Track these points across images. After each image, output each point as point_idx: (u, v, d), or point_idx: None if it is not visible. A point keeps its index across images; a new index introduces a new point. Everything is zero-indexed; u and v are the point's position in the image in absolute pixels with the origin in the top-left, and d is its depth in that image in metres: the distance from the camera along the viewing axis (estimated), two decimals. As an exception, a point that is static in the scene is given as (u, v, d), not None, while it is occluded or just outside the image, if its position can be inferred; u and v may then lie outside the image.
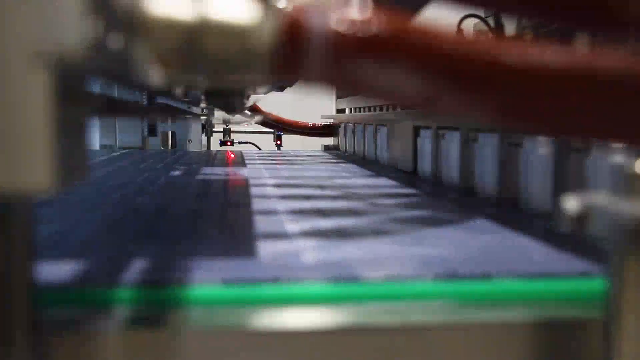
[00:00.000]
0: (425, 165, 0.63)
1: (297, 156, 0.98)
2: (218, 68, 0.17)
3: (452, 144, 0.56)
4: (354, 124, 1.02)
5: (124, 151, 1.06)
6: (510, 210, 0.43)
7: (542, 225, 0.37)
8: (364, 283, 0.25)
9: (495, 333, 0.22)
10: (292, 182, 0.61)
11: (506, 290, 0.24)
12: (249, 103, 0.67)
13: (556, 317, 0.22)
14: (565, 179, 0.39)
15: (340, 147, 1.16)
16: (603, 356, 0.20)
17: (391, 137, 0.79)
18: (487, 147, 0.49)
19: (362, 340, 0.21)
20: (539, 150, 0.41)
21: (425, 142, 0.63)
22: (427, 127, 0.63)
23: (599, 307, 0.21)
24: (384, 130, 0.82)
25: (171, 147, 1.31)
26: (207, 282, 0.24)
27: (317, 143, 1.29)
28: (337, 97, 1.18)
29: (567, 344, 0.22)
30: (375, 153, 0.87)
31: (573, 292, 0.24)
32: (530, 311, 0.23)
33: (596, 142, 0.33)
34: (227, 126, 1.69)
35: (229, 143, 1.69)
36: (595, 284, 0.24)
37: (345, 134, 1.10)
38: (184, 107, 0.83)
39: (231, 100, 0.54)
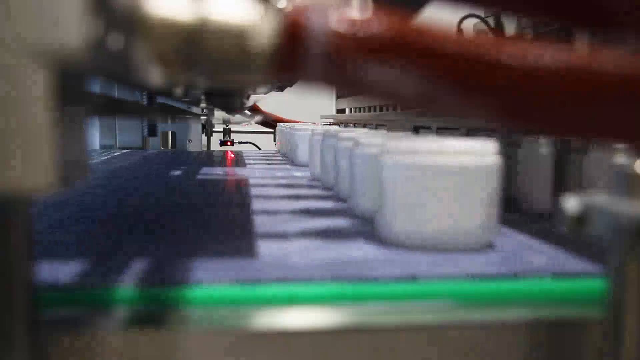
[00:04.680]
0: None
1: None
2: (218, 68, 0.17)
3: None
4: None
5: (125, 151, 1.06)
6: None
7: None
8: (364, 283, 0.25)
9: (495, 333, 0.22)
10: (289, 182, 0.61)
11: (506, 290, 0.24)
12: (249, 103, 0.67)
13: (556, 317, 0.22)
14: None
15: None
16: (603, 356, 0.20)
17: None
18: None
19: (362, 340, 0.21)
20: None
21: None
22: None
23: (599, 307, 0.21)
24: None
25: (171, 147, 1.32)
26: (207, 282, 0.24)
27: (317, 143, 1.29)
28: (337, 97, 1.18)
29: (567, 344, 0.22)
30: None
31: (573, 292, 0.24)
32: (530, 311, 0.23)
33: (596, 142, 0.33)
34: (227, 126, 1.69)
35: (229, 143, 1.69)
36: (595, 284, 0.24)
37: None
38: (184, 107, 0.83)
39: (231, 100, 0.54)
